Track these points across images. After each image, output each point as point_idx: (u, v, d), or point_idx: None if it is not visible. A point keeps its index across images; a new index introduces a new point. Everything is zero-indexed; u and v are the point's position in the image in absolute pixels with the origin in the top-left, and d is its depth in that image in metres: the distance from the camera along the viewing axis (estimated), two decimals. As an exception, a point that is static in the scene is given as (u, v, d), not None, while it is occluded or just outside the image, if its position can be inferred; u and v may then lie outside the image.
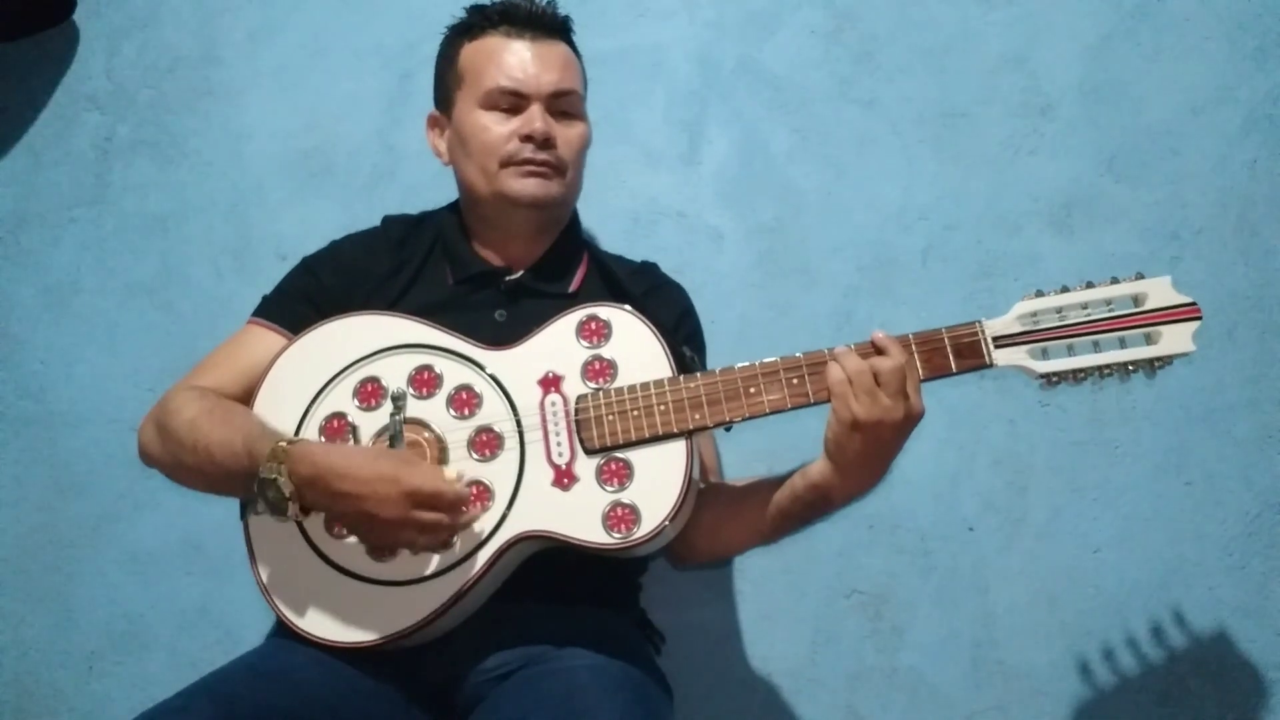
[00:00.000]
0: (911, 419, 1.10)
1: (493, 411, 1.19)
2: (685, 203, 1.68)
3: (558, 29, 1.34)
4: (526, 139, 1.27)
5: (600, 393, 1.17)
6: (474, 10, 1.35)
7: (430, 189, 1.65)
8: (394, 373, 1.21)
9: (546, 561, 1.18)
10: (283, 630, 1.21)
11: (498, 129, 1.29)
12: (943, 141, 1.66)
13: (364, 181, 1.73)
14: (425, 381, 1.21)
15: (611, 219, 1.67)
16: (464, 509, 1.11)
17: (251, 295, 1.35)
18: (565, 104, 1.31)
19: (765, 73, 1.70)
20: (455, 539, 1.14)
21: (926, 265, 1.63)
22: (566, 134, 1.31)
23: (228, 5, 1.79)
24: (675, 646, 1.43)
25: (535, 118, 1.28)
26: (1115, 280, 1.13)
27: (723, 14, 1.72)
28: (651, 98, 1.70)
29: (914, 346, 1.12)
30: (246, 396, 1.23)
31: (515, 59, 1.30)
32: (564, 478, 1.15)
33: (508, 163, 1.28)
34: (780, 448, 1.53)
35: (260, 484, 1.10)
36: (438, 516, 1.09)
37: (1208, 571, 1.54)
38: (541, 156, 1.28)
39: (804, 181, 1.67)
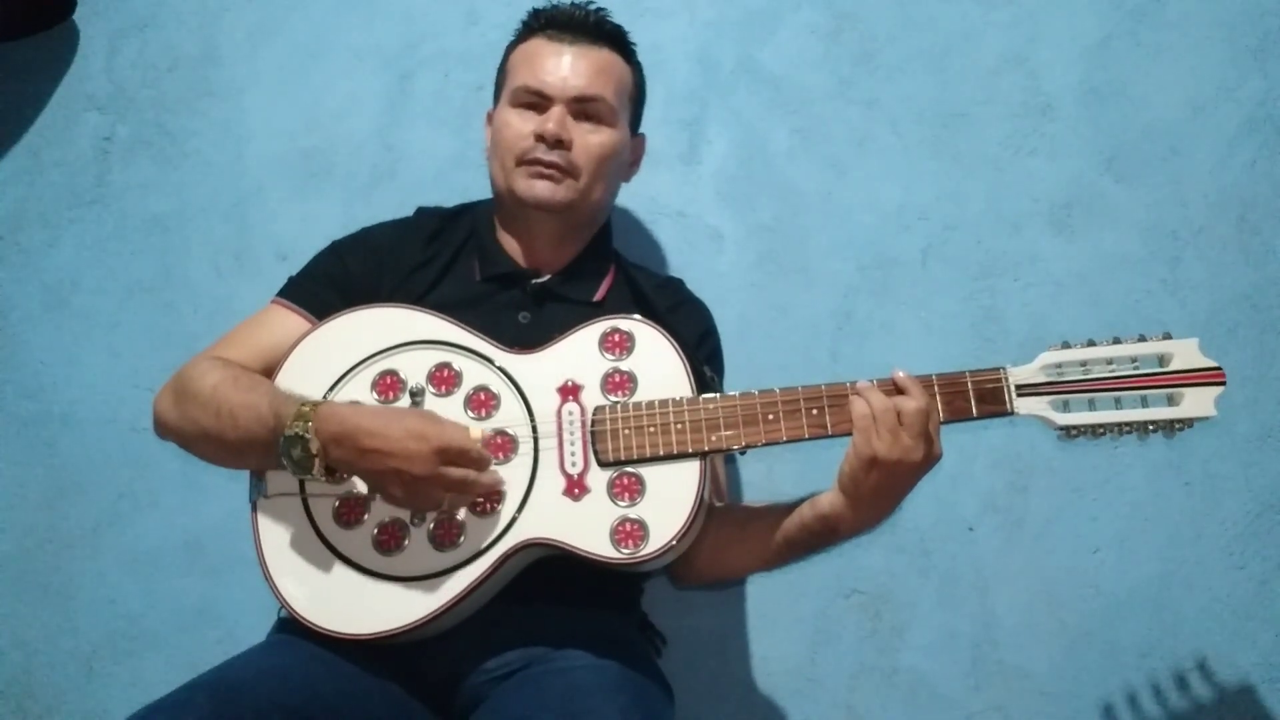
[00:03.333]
0: (930, 461, 1.10)
1: (509, 415, 1.19)
2: (685, 203, 1.68)
3: (603, 36, 1.35)
4: (540, 138, 1.28)
5: (618, 406, 1.17)
6: (529, 13, 1.38)
7: (430, 189, 1.66)
8: (414, 368, 1.21)
9: (550, 564, 1.18)
10: (284, 628, 1.22)
11: (518, 126, 1.31)
12: (943, 141, 1.66)
13: (364, 181, 1.73)
14: (444, 379, 1.21)
15: (611, 219, 1.67)
16: (487, 467, 1.14)
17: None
18: (590, 109, 1.31)
19: (765, 73, 1.70)
20: (463, 537, 1.14)
21: (926, 265, 1.63)
22: (586, 139, 1.31)
23: (228, 5, 1.79)
24: (676, 647, 1.43)
25: (551, 118, 1.29)
26: (1143, 337, 1.13)
27: (723, 14, 1.72)
28: (652, 98, 1.69)
29: (936, 388, 1.12)
30: (265, 376, 1.23)
31: (548, 62, 1.31)
32: (575, 488, 1.15)
33: (521, 161, 1.29)
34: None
35: (286, 441, 1.10)
36: (465, 473, 1.11)
37: (1208, 571, 1.54)
38: (550, 158, 1.28)
39: (804, 181, 1.67)
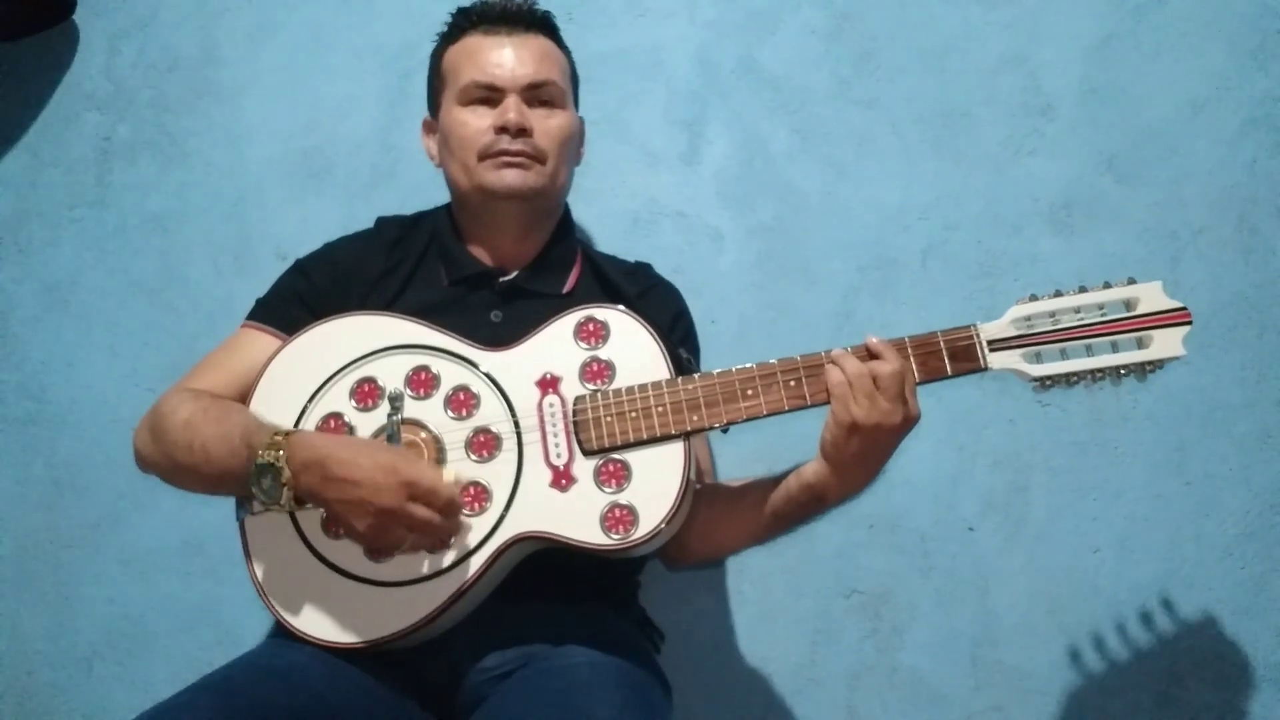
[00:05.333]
0: (909, 422, 1.11)
1: (490, 412, 1.19)
2: (685, 203, 1.68)
3: (535, 23, 1.35)
4: (501, 130, 1.28)
5: (598, 394, 1.17)
6: (455, 14, 1.37)
7: (430, 189, 1.65)
8: (391, 373, 1.21)
9: (545, 560, 1.18)
10: (283, 629, 1.22)
11: (475, 123, 1.30)
12: (943, 141, 1.66)
13: (364, 181, 1.73)
14: (422, 382, 1.21)
15: (611, 219, 1.67)
16: (456, 514, 1.12)
17: (251, 295, 1.35)
18: (543, 94, 1.32)
19: (765, 73, 1.70)
20: (453, 537, 1.14)
21: (926, 265, 1.63)
22: (545, 124, 1.31)
23: (228, 5, 1.79)
24: (675, 645, 1.43)
25: (509, 108, 1.29)
26: (1108, 285, 1.14)
27: (723, 14, 1.72)
28: (651, 98, 1.70)
29: (910, 350, 1.13)
30: (241, 400, 1.23)
31: (491, 55, 1.31)
32: (562, 479, 1.15)
33: (485, 155, 1.29)
34: (776, 446, 1.53)
35: (257, 470, 1.10)
36: (431, 514, 1.09)
37: (1208, 571, 1.54)
38: (516, 147, 1.28)
39: (804, 181, 1.67)
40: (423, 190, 1.65)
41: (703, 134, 1.70)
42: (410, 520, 1.09)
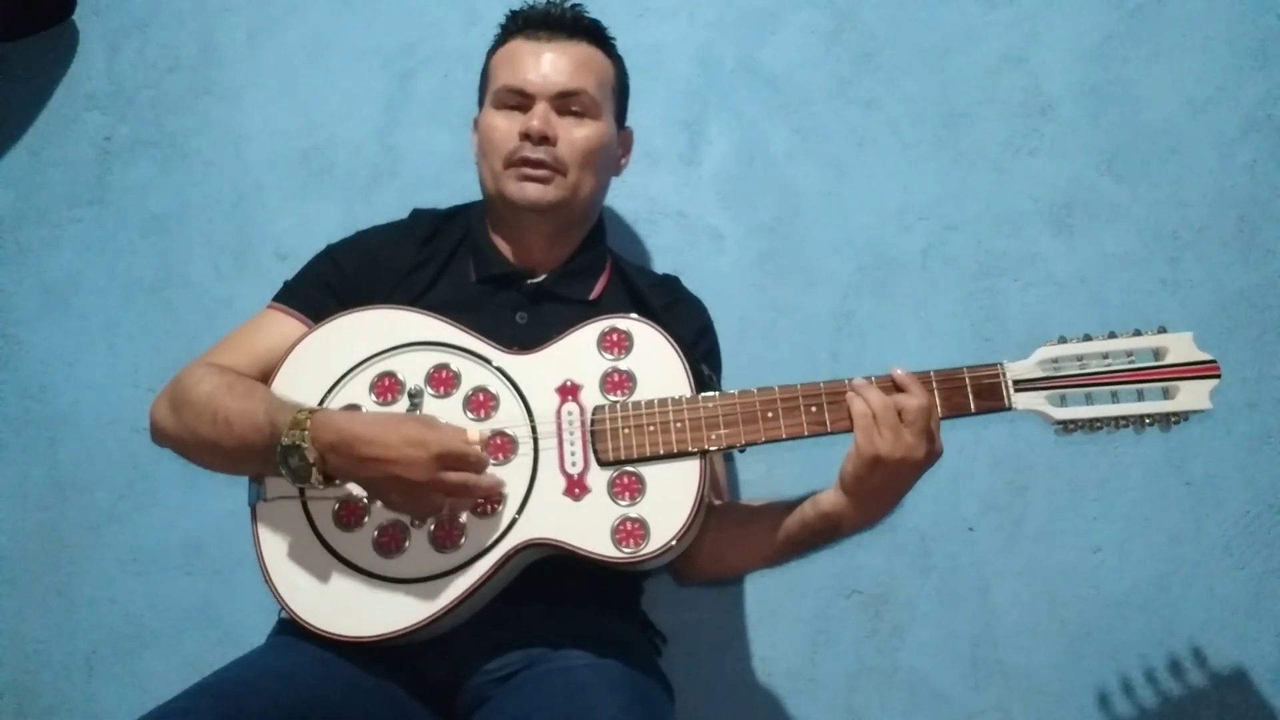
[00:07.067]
0: (932, 458, 1.10)
1: (508, 415, 1.19)
2: (685, 203, 1.68)
3: (580, 31, 1.34)
4: (525, 136, 1.28)
5: (617, 405, 1.17)
6: (507, 17, 1.38)
7: (430, 189, 1.66)
8: (412, 369, 1.21)
9: (550, 564, 1.18)
10: (284, 629, 1.22)
11: (503, 127, 1.31)
12: (943, 141, 1.66)
13: (364, 181, 1.73)
14: (443, 380, 1.21)
15: (611, 219, 1.67)
16: (484, 470, 1.13)
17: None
18: (574, 103, 1.31)
19: (765, 73, 1.70)
20: (464, 538, 1.14)
21: (926, 265, 1.63)
22: (571, 134, 1.30)
23: (228, 5, 1.79)
24: (676, 646, 1.43)
25: (535, 115, 1.29)
26: (1138, 332, 1.13)
27: (723, 14, 1.72)
28: (651, 98, 1.70)
29: (935, 384, 1.13)
30: (262, 381, 1.23)
31: (526, 60, 1.31)
32: (576, 488, 1.15)
33: (509, 162, 1.29)
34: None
35: (283, 451, 1.10)
36: (464, 477, 1.10)
37: (1208, 571, 1.54)
38: (537, 155, 1.28)
39: (804, 181, 1.67)
40: (423, 191, 1.65)
41: (703, 134, 1.70)
42: (446, 487, 1.10)
